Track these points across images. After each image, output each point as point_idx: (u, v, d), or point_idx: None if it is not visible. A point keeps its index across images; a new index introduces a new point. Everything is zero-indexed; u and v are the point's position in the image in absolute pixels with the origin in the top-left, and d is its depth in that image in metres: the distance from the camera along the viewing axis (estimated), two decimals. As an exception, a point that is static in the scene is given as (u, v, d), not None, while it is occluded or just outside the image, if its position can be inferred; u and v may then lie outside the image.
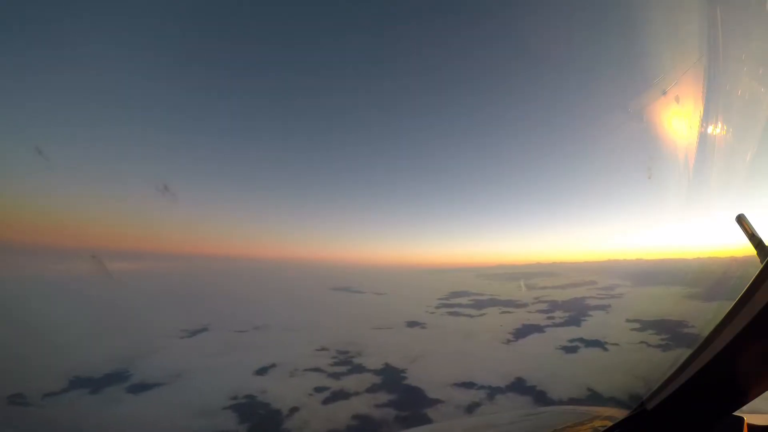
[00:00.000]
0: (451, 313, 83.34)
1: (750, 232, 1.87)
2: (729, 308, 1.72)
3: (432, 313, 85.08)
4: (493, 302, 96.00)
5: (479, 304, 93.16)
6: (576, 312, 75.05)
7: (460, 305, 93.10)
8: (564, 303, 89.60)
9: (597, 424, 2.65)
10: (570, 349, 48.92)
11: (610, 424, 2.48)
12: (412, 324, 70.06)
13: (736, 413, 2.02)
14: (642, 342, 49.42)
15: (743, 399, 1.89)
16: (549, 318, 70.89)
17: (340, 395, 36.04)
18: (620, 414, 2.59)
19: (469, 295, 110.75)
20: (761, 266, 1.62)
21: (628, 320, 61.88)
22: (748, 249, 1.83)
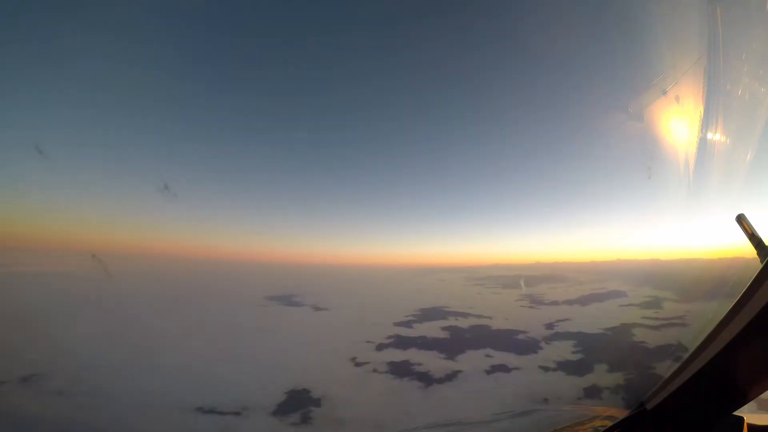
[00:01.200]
0: (395, 369, 43.01)
1: (750, 231, 1.87)
2: (729, 308, 1.72)
3: (364, 362, 45.51)
4: (479, 335, 57.64)
5: (455, 339, 56.00)
6: (640, 370, 35.74)
7: (422, 342, 54.47)
8: (606, 339, 51.08)
9: (597, 423, 2.65)
10: None
11: (610, 423, 2.48)
12: (301, 401, 34.85)
13: (736, 413, 2.02)
14: None
15: (743, 399, 1.90)
16: (595, 395, 33.52)
17: None
18: (620, 414, 2.59)
19: (445, 317, 73.15)
20: (761, 266, 1.62)
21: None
22: (748, 249, 1.84)
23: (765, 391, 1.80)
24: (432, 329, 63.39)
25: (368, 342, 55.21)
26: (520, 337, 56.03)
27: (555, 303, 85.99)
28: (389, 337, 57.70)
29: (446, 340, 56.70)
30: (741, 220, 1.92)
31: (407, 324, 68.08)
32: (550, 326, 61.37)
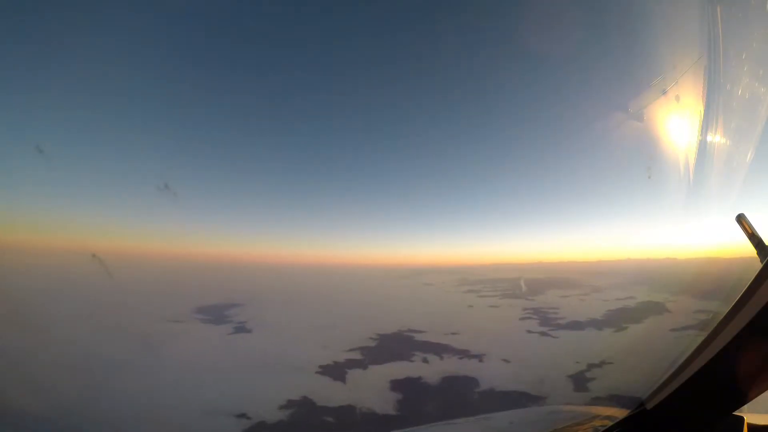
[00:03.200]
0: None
1: (750, 231, 1.88)
2: (729, 308, 1.73)
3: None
4: (458, 410, 33.13)
5: (405, 421, 32.91)
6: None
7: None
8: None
9: (597, 423, 2.66)
10: None
11: (609, 423, 2.48)
12: None
13: (736, 413, 2.03)
14: None
15: (743, 399, 1.90)
16: None
17: None
18: (620, 413, 2.59)
19: (409, 354, 47.38)
20: (761, 266, 1.63)
21: None
22: (748, 249, 1.84)
23: (765, 391, 1.80)
24: (377, 385, 37.16)
25: (241, 417, 32.19)
26: (535, 417, 23.49)
27: (576, 326, 59.20)
28: (286, 405, 34.29)
29: (389, 422, 30.99)
30: (741, 219, 1.93)
31: (341, 371, 41.93)
32: (580, 383, 36.25)
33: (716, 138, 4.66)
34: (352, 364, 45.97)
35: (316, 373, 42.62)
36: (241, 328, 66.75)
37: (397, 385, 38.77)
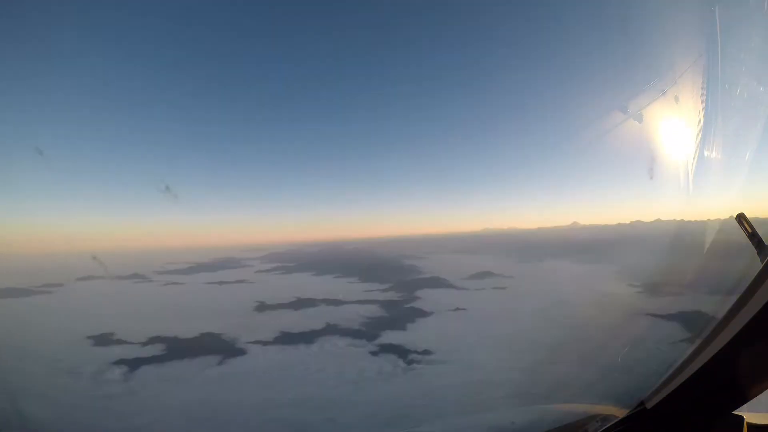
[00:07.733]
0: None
1: (750, 231, 1.88)
2: (729, 308, 1.73)
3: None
4: None
5: None
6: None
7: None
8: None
9: (597, 423, 2.65)
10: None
11: (609, 423, 2.48)
12: None
13: (736, 412, 2.03)
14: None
15: (743, 398, 1.90)
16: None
17: None
18: (620, 413, 2.59)
19: None
20: (761, 266, 1.63)
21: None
22: (748, 249, 1.85)
23: (765, 390, 1.80)
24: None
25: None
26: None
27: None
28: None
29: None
30: (741, 219, 1.93)
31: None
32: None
33: (716, 138, 4.66)
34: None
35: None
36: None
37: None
